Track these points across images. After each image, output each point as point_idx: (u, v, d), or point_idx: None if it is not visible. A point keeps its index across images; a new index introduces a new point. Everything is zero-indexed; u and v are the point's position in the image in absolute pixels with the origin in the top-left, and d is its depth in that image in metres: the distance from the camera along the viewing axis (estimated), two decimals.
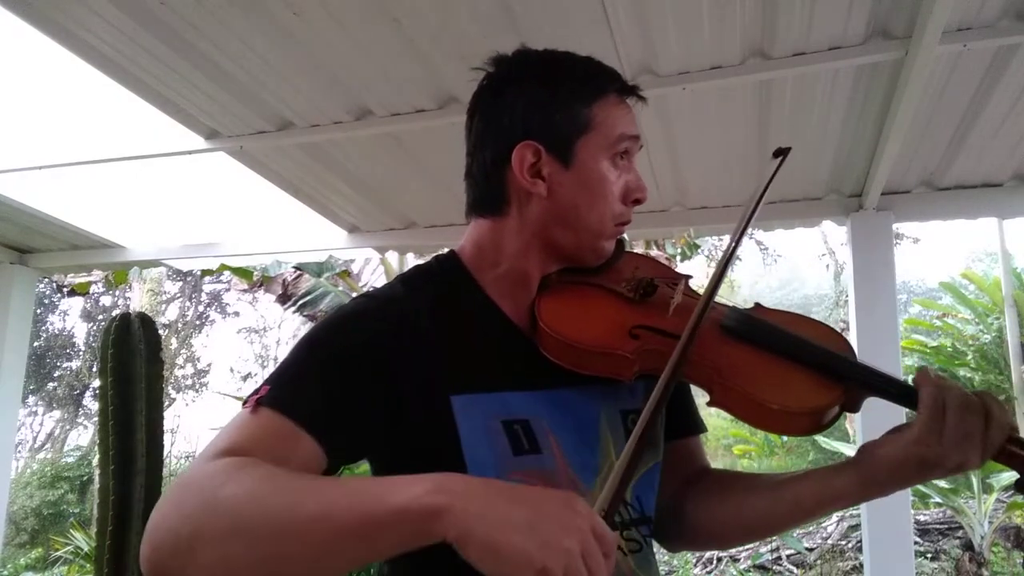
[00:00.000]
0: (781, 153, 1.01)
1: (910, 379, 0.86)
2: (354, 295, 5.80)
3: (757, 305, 0.97)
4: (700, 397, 1.15)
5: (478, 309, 0.93)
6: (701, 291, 0.93)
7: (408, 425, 0.83)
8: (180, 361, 16.81)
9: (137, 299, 14.50)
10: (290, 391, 0.78)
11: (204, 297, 18.12)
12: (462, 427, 0.82)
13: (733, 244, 0.97)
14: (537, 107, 0.92)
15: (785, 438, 9.49)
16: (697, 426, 1.07)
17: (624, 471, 0.69)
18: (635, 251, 1.08)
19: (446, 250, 1.01)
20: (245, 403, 0.78)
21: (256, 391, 0.78)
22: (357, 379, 0.81)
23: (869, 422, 2.58)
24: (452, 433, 0.82)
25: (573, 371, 0.88)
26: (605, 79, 0.95)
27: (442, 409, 0.83)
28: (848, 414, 0.90)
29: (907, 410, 0.87)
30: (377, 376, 0.82)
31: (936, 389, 0.79)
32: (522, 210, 0.93)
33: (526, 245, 0.94)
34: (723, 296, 0.94)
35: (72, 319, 19.08)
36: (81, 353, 17.27)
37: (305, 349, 0.84)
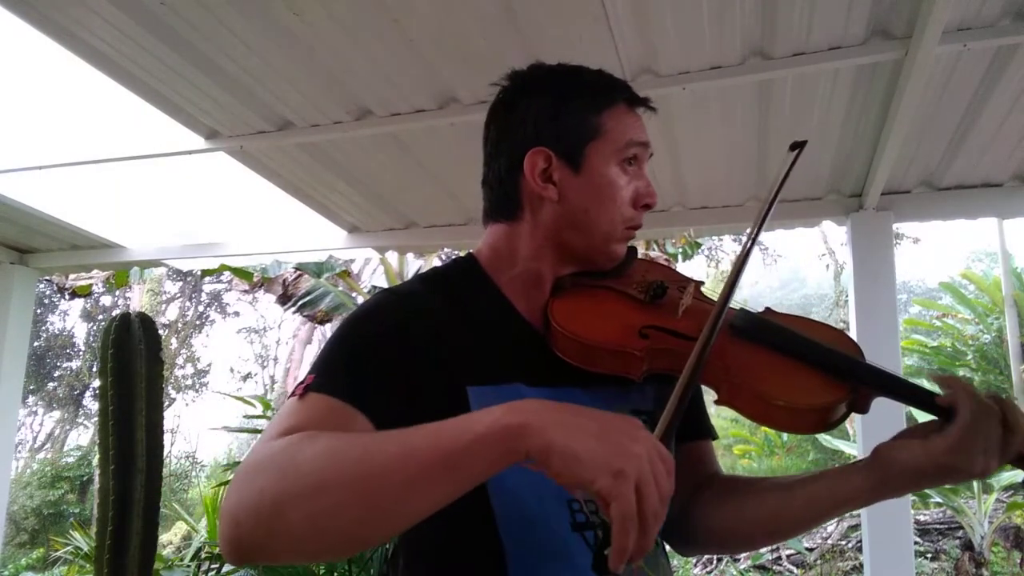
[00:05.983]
0: (798, 146, 1.01)
1: (914, 381, 0.86)
2: (355, 295, 5.80)
3: (767, 309, 0.98)
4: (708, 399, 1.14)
5: (494, 307, 0.96)
6: (711, 296, 0.95)
7: (425, 411, 0.85)
8: (180, 361, 16.81)
9: (137, 299, 14.51)
10: (334, 376, 0.82)
11: (204, 297, 18.13)
12: None
13: (750, 241, 0.97)
14: (548, 116, 0.96)
15: (785, 437, 9.50)
16: (709, 431, 1.08)
17: (673, 412, 0.73)
18: (647, 258, 1.10)
19: (463, 253, 1.03)
20: (292, 393, 0.81)
21: (302, 381, 0.82)
22: (385, 362, 0.84)
23: (869, 422, 2.57)
24: None
25: (584, 370, 0.90)
26: (615, 89, 0.99)
27: (459, 398, 0.85)
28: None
29: (909, 409, 0.87)
30: (403, 360, 0.85)
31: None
32: (535, 214, 0.97)
33: (539, 248, 0.97)
34: None
35: (72, 319, 19.11)
36: (81, 353, 17.26)
37: (337, 340, 0.88)
